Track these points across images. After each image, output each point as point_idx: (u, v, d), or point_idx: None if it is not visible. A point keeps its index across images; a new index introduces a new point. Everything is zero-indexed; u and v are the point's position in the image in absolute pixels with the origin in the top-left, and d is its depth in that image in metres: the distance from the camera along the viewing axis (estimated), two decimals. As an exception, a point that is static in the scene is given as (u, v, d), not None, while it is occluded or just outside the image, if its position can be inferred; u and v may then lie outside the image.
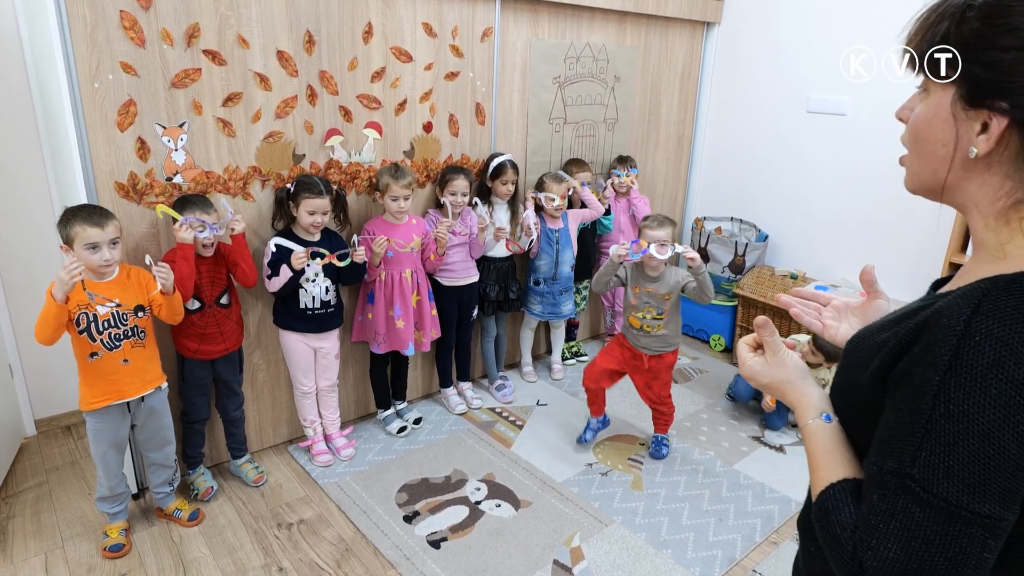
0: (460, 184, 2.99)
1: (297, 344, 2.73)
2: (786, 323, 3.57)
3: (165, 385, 2.33)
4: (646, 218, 2.82)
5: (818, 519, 0.77)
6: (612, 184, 3.75)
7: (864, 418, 0.79)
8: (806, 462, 0.86)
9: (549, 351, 3.91)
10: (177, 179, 2.40)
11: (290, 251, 2.51)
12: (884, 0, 3.39)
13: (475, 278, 3.21)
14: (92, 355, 2.12)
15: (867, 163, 3.59)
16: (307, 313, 2.67)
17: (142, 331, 2.21)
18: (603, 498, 2.69)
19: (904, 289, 3.54)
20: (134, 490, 2.56)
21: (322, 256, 2.56)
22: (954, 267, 3.10)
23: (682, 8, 3.87)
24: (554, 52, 3.42)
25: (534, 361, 3.79)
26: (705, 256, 4.11)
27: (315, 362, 2.81)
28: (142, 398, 2.25)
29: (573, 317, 3.69)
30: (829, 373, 3.19)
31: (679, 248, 2.70)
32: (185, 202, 2.34)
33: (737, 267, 4.00)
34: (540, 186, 3.36)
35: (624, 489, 2.76)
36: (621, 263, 2.75)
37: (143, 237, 2.38)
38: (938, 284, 0.85)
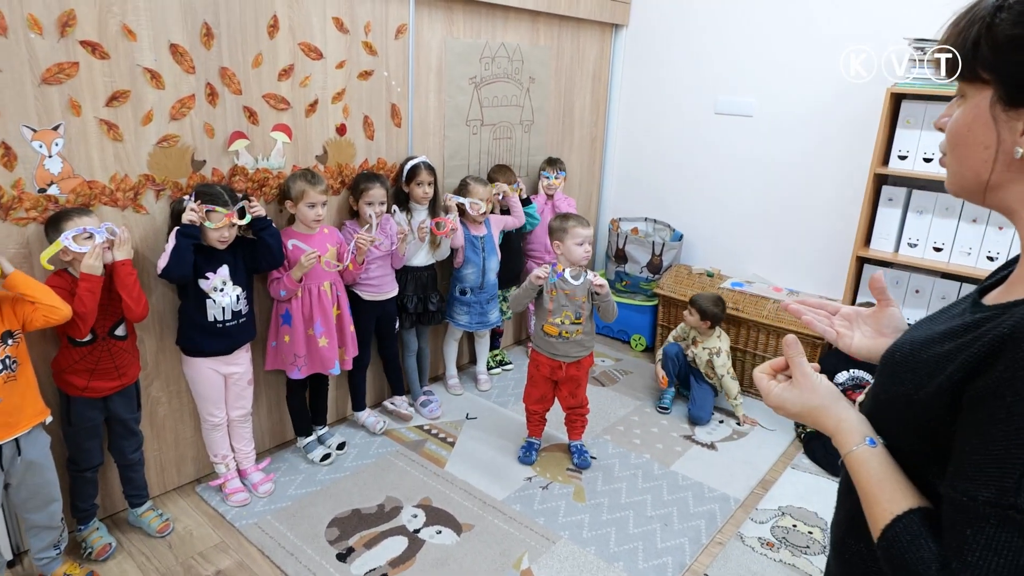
0: (377, 193, 2.80)
1: (205, 371, 2.44)
2: (744, 330, 3.64)
3: (49, 420, 1.99)
4: (567, 217, 2.75)
5: (889, 556, 0.70)
6: (541, 186, 3.68)
7: (921, 435, 0.74)
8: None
9: (473, 361, 3.78)
10: (52, 190, 2.06)
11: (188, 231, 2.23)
12: (784, 2, 3.53)
13: (395, 291, 3.03)
14: (-51, 402, 1.77)
15: (774, 162, 3.73)
16: (217, 327, 2.38)
17: (14, 361, 1.87)
18: (547, 513, 2.60)
19: (811, 282, 3.72)
20: (8, 557, 2.18)
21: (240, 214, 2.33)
22: (860, 260, 3.27)
23: (591, 10, 3.86)
24: (469, 52, 3.30)
25: (458, 372, 3.65)
26: (623, 257, 4.13)
27: (226, 390, 2.53)
28: (18, 447, 1.90)
29: (499, 325, 3.58)
30: (720, 342, 3.31)
31: (590, 275, 2.67)
32: (61, 217, 2.02)
33: (655, 267, 4.05)
34: (463, 189, 3.23)
35: (567, 502, 2.68)
36: (540, 286, 2.70)
37: (11, 260, 2.02)
38: (983, 290, 0.80)
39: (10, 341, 1.86)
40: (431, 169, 3.04)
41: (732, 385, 3.33)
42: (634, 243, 4.11)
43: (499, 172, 3.47)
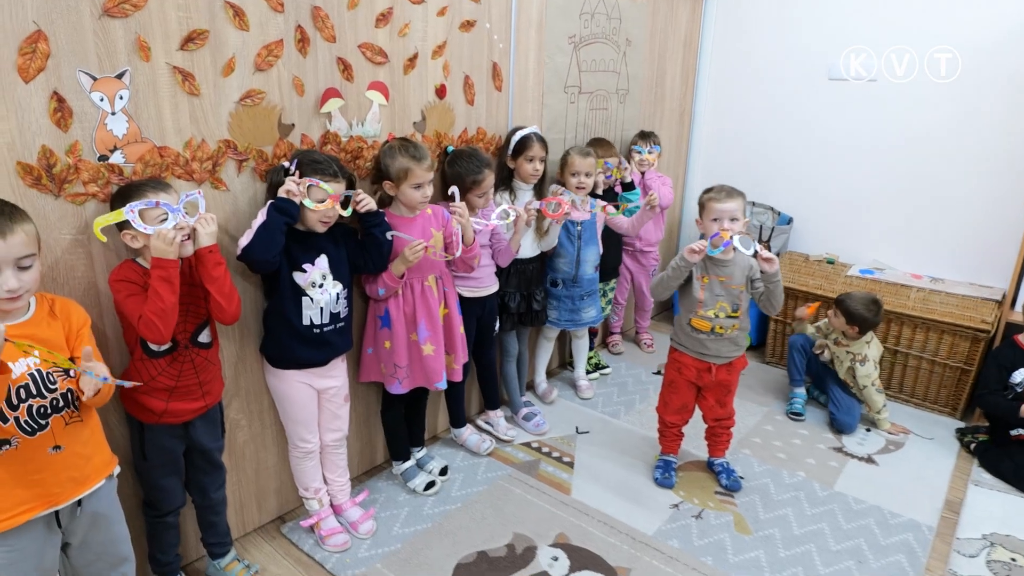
0: (491, 182, 2.34)
1: (297, 386, 1.97)
2: (885, 323, 3.17)
3: (117, 471, 1.52)
4: (708, 189, 2.27)
5: None
6: (633, 162, 3.21)
7: None
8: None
9: (563, 365, 3.31)
10: (116, 158, 1.59)
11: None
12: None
13: (497, 287, 2.55)
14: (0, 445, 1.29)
15: (905, 132, 3.26)
16: (313, 332, 1.92)
17: (77, 397, 1.40)
18: (713, 551, 2.13)
19: (959, 268, 3.25)
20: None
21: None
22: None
23: (689, -37, 3.40)
24: (570, 5, 2.83)
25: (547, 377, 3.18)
26: (725, 244, 3.65)
27: (319, 408, 2.05)
28: (79, 502, 1.43)
29: (595, 324, 3.10)
30: (868, 349, 2.82)
31: (757, 246, 2.17)
32: (131, 190, 1.54)
33: (762, 254, 3.57)
34: (564, 162, 2.74)
35: (731, 534, 2.21)
36: (693, 264, 2.20)
37: (66, 250, 1.55)
38: None
39: (67, 375, 1.38)
40: (543, 143, 2.56)
41: (877, 399, 2.85)
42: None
43: (600, 147, 2.98)
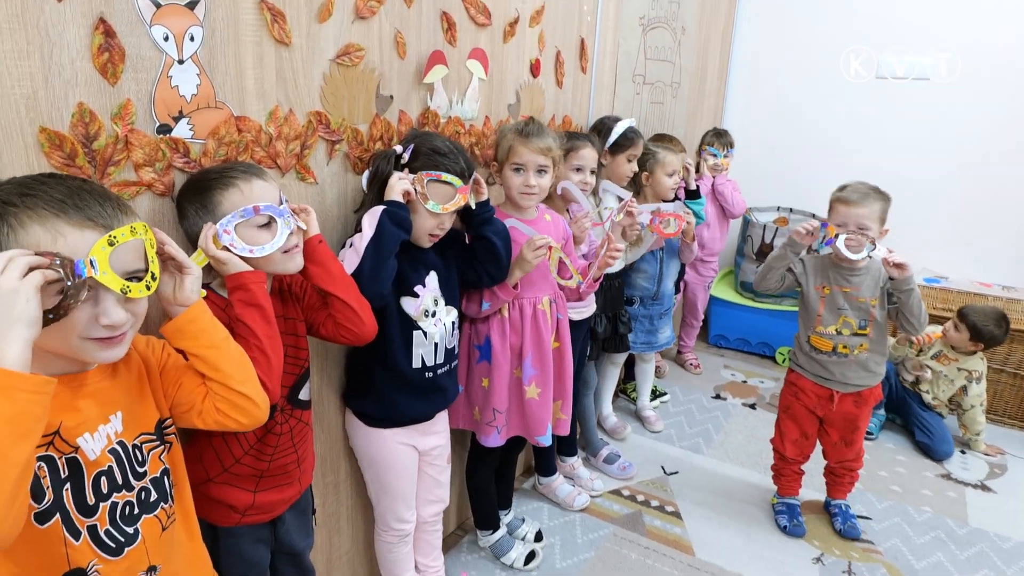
0: (588, 155, 1.91)
1: (399, 450, 1.46)
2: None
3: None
4: (842, 188, 1.95)
5: None
6: (705, 167, 2.86)
7: None
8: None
9: (619, 393, 2.91)
10: (181, 129, 1.06)
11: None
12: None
13: (595, 306, 2.12)
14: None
15: (964, 133, 3.10)
16: (425, 377, 1.42)
17: (172, 485, 0.87)
18: (891, 617, 1.78)
19: (1013, 275, 3.10)
20: None
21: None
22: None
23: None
24: (642, -20, 2.47)
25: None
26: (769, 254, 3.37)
27: (419, 476, 1.55)
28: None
29: (669, 346, 2.72)
30: (983, 364, 2.60)
31: (878, 252, 1.88)
32: (211, 184, 1.03)
33: (812, 264, 3.31)
34: (649, 160, 2.35)
35: (897, 593, 1.87)
36: (800, 252, 1.90)
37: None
38: None
39: (161, 444, 0.86)
40: (641, 139, 2.17)
41: (980, 419, 2.62)
42: (783, 237, 3.37)
43: (668, 144, 2.61)
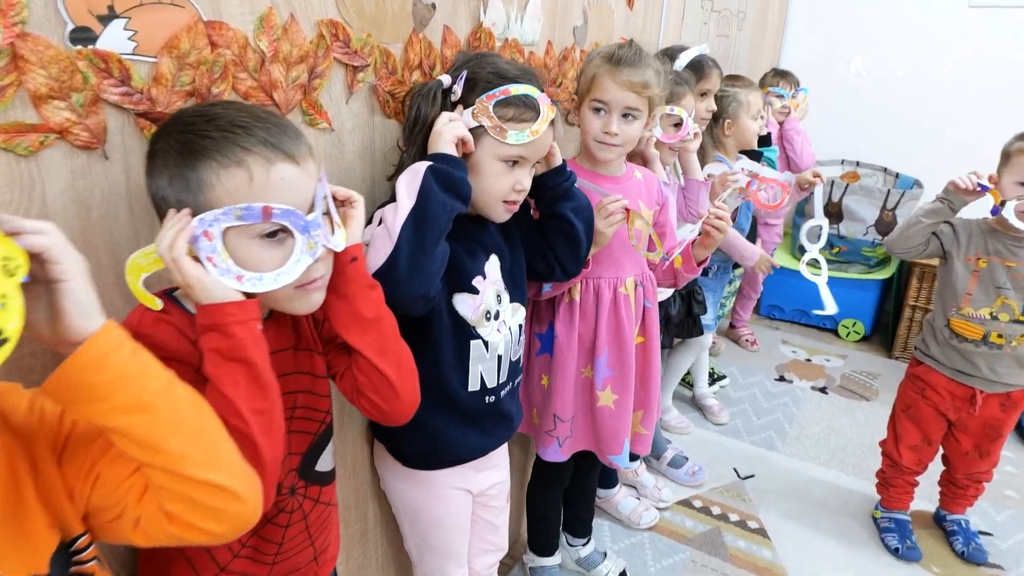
0: (687, 103, 1.48)
1: (450, 496, 1.08)
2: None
3: None
4: (1022, 135, 1.54)
5: None
6: (772, 110, 2.43)
7: None
8: None
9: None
10: (112, 37, 0.64)
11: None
12: None
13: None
14: None
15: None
16: (485, 402, 1.04)
17: None
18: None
19: None
20: None
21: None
22: None
23: None
24: None
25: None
26: (839, 214, 2.96)
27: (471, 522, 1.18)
28: None
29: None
30: None
31: None
32: (201, 148, 0.61)
33: (886, 225, 2.90)
34: (729, 101, 1.92)
35: (1049, 638, 1.53)
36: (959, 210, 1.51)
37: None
38: None
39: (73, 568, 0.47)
40: (718, 70, 1.73)
41: None
42: (854, 194, 2.94)
43: (736, 83, 2.16)
